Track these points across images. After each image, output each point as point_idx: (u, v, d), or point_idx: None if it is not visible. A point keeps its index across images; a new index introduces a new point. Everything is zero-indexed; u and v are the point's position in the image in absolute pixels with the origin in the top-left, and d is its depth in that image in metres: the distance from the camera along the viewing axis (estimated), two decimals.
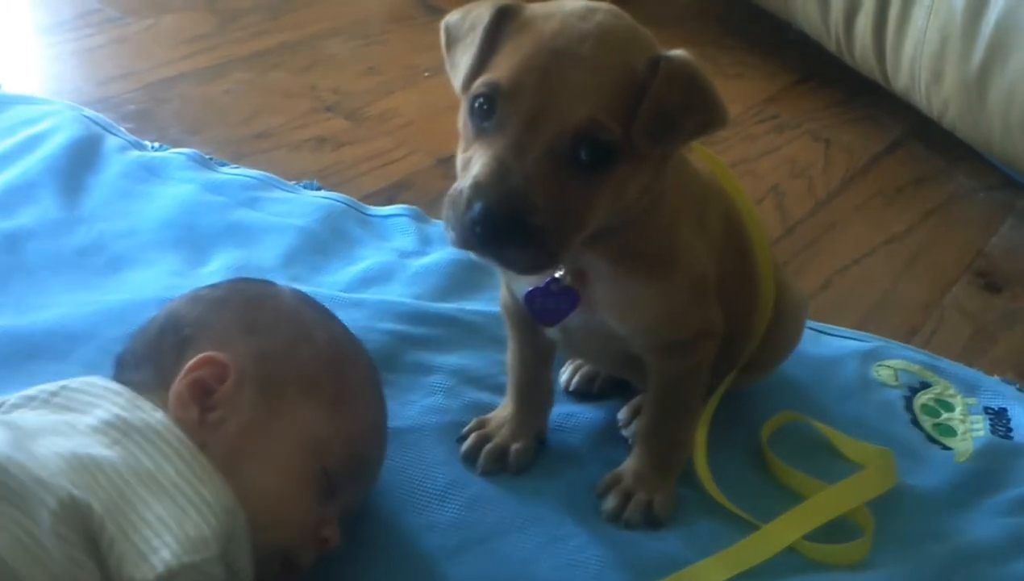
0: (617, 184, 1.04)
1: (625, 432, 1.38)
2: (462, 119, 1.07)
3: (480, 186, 0.99)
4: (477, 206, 0.98)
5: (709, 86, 1.06)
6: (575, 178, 1.01)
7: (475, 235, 0.99)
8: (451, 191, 1.02)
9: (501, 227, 0.98)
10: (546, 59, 1.00)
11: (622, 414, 1.42)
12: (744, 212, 1.32)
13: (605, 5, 1.07)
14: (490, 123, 1.02)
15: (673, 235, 1.18)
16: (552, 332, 1.26)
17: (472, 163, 1.03)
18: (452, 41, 1.12)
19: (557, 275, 1.15)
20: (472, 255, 1.05)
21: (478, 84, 1.04)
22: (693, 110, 1.05)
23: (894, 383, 1.55)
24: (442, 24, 1.14)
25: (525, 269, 1.07)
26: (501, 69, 1.03)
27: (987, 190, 2.22)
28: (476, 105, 1.03)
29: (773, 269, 1.35)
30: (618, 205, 1.06)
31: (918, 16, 2.12)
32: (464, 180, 1.01)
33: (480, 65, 1.06)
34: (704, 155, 1.29)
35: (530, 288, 1.17)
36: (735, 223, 1.30)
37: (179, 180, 1.86)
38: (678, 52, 1.06)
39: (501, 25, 1.06)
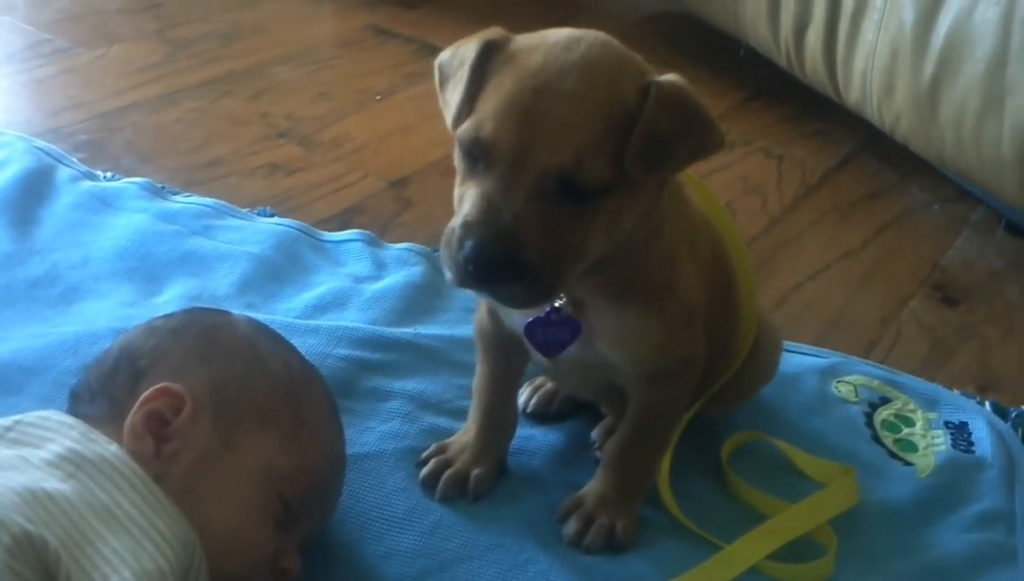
0: (611, 215, 1.03)
1: (599, 454, 1.37)
2: (455, 155, 1.06)
3: (470, 225, 0.99)
4: (468, 245, 0.98)
5: (702, 110, 1.05)
6: (567, 212, 1.00)
7: (468, 273, 0.99)
8: (446, 230, 1.02)
9: (493, 265, 0.98)
10: (529, 98, 1.00)
11: (596, 435, 1.41)
12: (729, 239, 1.32)
13: (592, 33, 1.06)
14: (479, 162, 1.02)
15: (671, 262, 1.17)
16: (542, 360, 1.25)
17: (464, 201, 1.02)
18: (444, 79, 1.11)
19: (557, 305, 1.15)
20: (469, 292, 1.05)
21: (464, 126, 1.03)
22: (686, 136, 1.04)
23: (854, 399, 1.55)
24: (435, 63, 1.13)
25: (521, 304, 1.08)
26: (486, 110, 1.02)
27: (941, 203, 2.23)
28: (465, 145, 1.03)
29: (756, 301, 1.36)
30: (615, 235, 1.06)
31: (868, 30, 2.13)
32: (456, 218, 1.01)
33: (468, 103, 1.05)
34: (689, 180, 1.28)
35: (529, 319, 1.17)
36: (721, 254, 1.30)
37: (132, 210, 1.85)
38: (669, 77, 1.05)
39: (487, 60, 1.05)
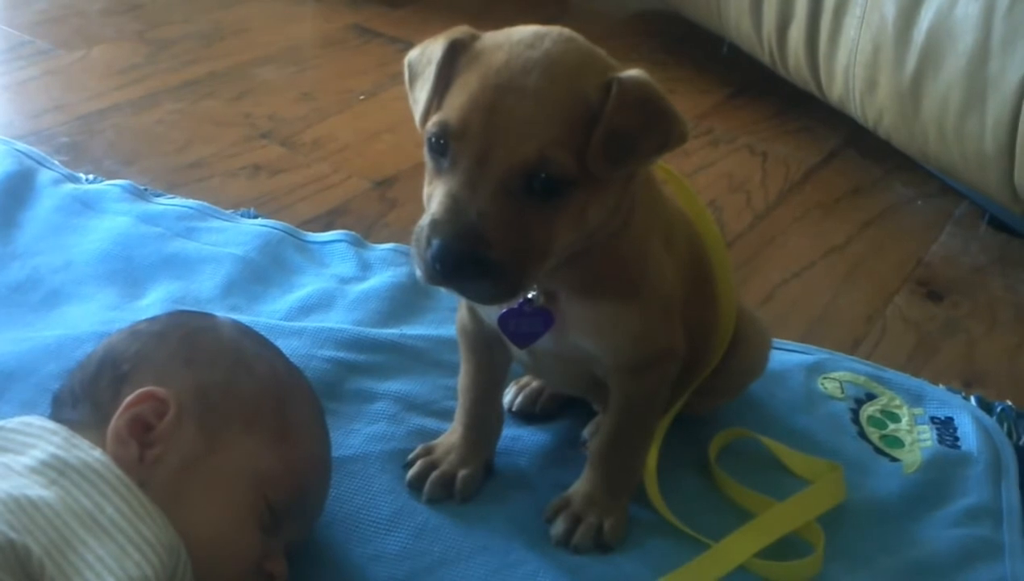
0: (576, 210, 1.04)
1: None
2: (424, 154, 1.07)
3: (436, 224, 1.00)
4: (434, 243, 0.99)
5: (665, 105, 1.05)
6: (532, 209, 1.01)
7: (435, 271, 1.01)
8: (416, 228, 1.03)
9: (458, 263, 0.99)
10: (492, 96, 1.01)
11: (587, 433, 1.41)
12: (708, 237, 1.32)
13: (556, 29, 1.07)
14: (446, 160, 1.03)
15: (644, 254, 1.18)
16: (519, 353, 1.26)
17: (432, 200, 1.04)
18: (413, 77, 1.12)
19: (530, 296, 1.15)
20: (441, 289, 1.06)
21: (430, 125, 1.04)
22: (649, 131, 1.05)
23: (840, 396, 1.55)
24: (405, 61, 1.14)
25: (488, 300, 1.09)
26: (450, 108, 1.03)
27: (925, 198, 2.24)
28: (432, 143, 1.04)
29: (735, 297, 1.36)
30: (581, 230, 1.07)
31: (850, 26, 2.14)
32: (425, 217, 1.03)
33: (435, 101, 1.06)
34: (671, 178, 1.29)
35: (502, 311, 1.17)
36: (698, 249, 1.31)
37: (114, 212, 1.84)
38: (632, 73, 1.05)
39: (454, 59, 1.06)
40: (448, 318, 1.55)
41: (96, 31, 2.73)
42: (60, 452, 0.99)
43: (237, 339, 1.19)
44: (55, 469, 0.97)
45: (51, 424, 1.05)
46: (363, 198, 2.04)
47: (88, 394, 1.12)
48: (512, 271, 1.01)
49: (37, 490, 0.94)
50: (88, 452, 1.01)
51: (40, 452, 0.99)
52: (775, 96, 2.61)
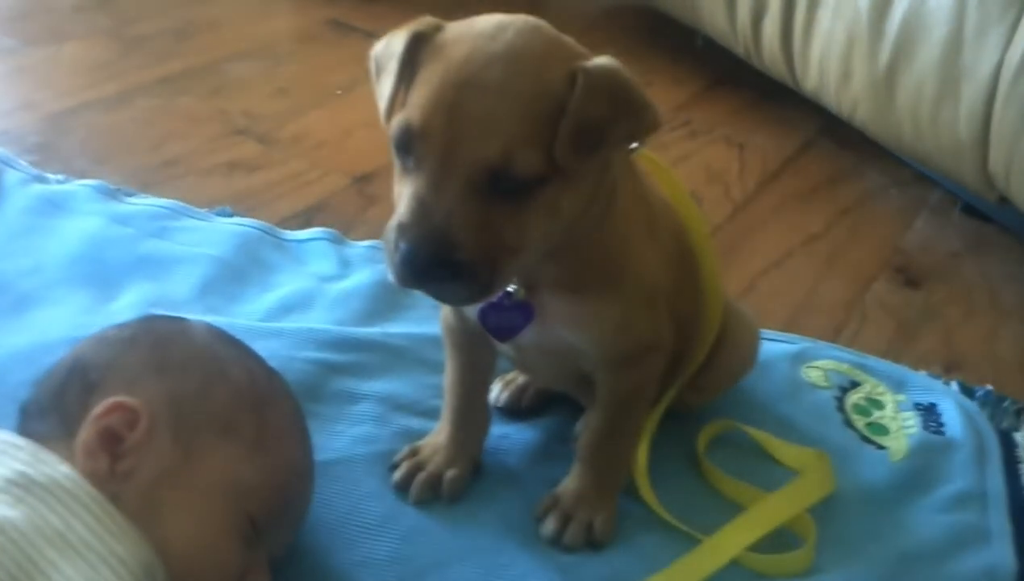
0: (548, 205, 1.01)
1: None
2: (391, 153, 1.05)
3: (403, 227, 0.98)
4: (402, 247, 0.97)
5: (633, 93, 1.02)
6: (501, 206, 0.99)
7: (405, 274, 0.99)
8: (386, 230, 1.01)
9: (426, 266, 0.97)
10: (453, 93, 0.98)
11: (580, 427, 1.39)
12: (692, 226, 1.31)
13: (521, 19, 1.04)
14: (411, 160, 1.00)
15: (626, 244, 1.16)
16: (504, 348, 1.25)
17: (400, 201, 1.01)
18: (378, 71, 1.09)
19: (510, 290, 1.14)
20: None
21: (393, 124, 1.02)
22: (618, 120, 1.02)
23: (824, 384, 1.55)
24: (370, 54, 1.11)
25: (461, 301, 1.09)
26: (412, 107, 1.00)
27: (899, 186, 2.25)
28: (396, 143, 1.02)
29: (722, 291, 1.35)
30: (556, 224, 1.04)
31: (824, 17, 2.14)
32: (393, 219, 1.00)
33: (401, 96, 1.04)
34: (655, 167, 1.28)
35: (482, 305, 1.15)
36: (683, 240, 1.30)
37: (85, 213, 1.81)
38: (599, 61, 1.02)
39: (416, 52, 1.03)
40: (430, 315, 1.52)
41: (66, 28, 2.71)
42: (26, 468, 0.96)
43: (210, 343, 1.16)
44: (20, 487, 0.94)
45: (16, 439, 1.01)
46: (341, 195, 2.03)
47: (55, 405, 1.08)
48: (483, 271, 0.99)
49: (2, 510, 0.91)
50: (55, 467, 0.97)
51: (4, 469, 0.95)
52: (751, 87, 2.62)
